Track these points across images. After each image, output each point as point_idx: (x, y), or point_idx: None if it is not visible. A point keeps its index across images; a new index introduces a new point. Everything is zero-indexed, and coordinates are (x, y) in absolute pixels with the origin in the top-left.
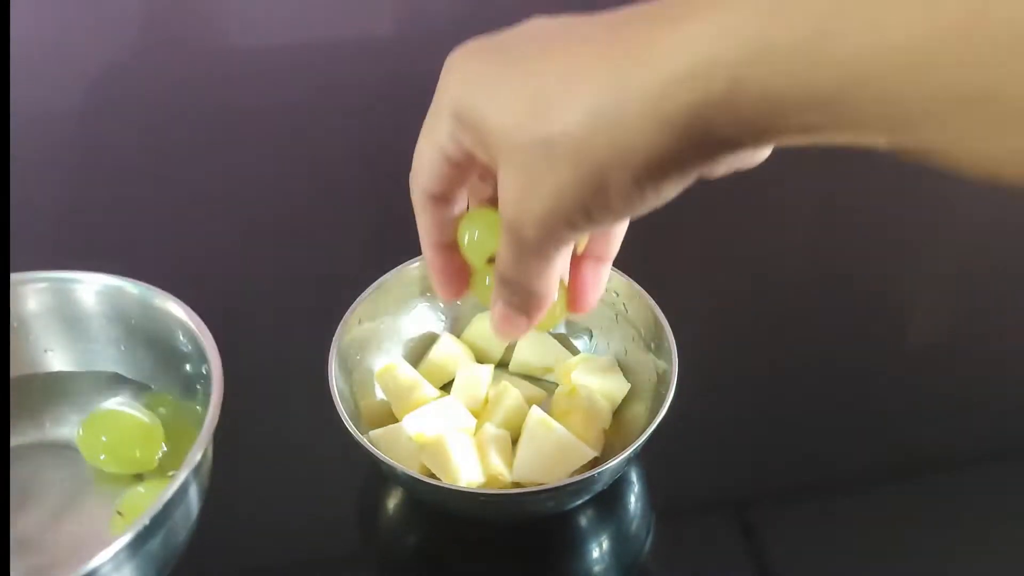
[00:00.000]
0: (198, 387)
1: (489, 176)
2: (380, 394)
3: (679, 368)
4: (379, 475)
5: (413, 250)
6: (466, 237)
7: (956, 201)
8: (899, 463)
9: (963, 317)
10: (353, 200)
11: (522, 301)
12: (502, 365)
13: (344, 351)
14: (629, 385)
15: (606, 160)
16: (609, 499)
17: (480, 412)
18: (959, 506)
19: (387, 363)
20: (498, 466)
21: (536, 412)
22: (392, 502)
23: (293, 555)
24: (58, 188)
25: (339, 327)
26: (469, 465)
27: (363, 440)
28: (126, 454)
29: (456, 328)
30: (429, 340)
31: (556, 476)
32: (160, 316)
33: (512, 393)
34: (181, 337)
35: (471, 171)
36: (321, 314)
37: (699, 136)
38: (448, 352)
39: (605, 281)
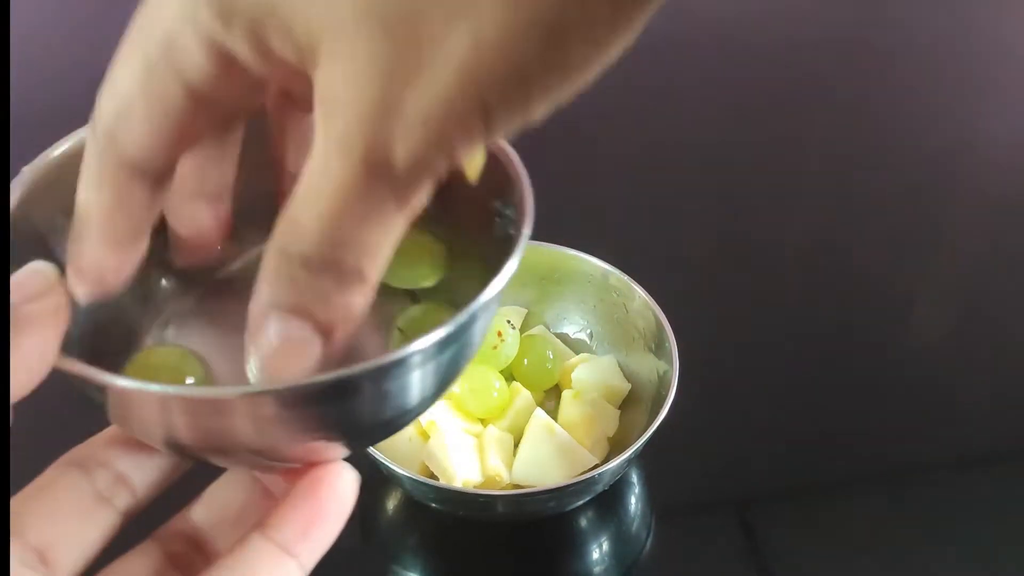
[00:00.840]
0: None
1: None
2: None
3: (679, 369)
4: (379, 475)
5: None
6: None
7: (957, 201)
8: (899, 463)
9: (964, 318)
10: None
11: (341, 283)
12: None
13: None
14: (629, 386)
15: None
16: (609, 500)
17: (488, 415)
18: (959, 506)
19: None
20: (497, 467)
21: (540, 415)
22: (392, 502)
23: None
24: None
25: None
26: (468, 465)
27: None
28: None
29: None
30: None
31: (555, 480)
32: None
33: (523, 395)
34: None
35: (222, 113)
36: None
37: None
38: None
39: None
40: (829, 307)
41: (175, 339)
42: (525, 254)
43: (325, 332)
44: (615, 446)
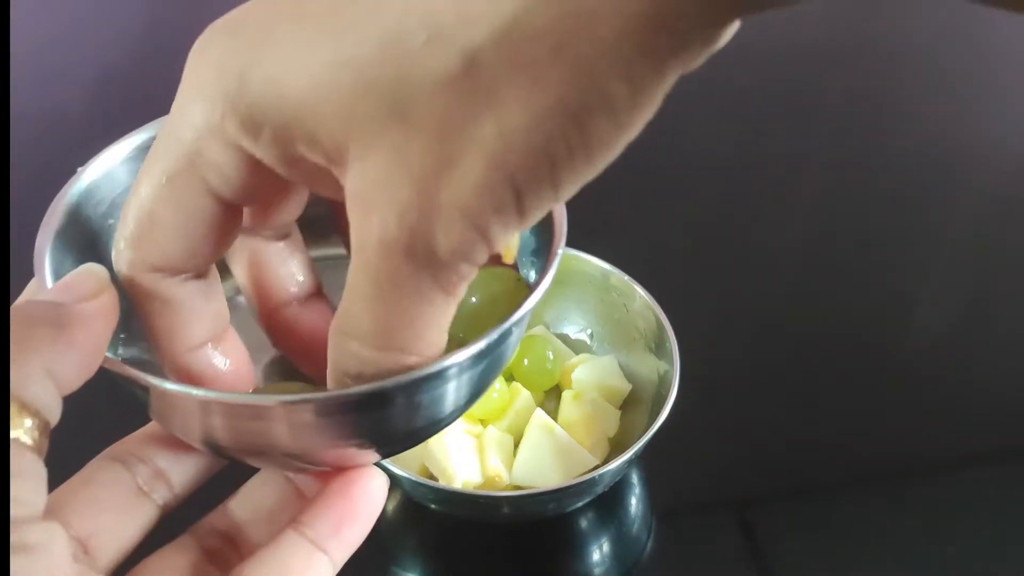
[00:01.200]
0: None
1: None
2: None
3: (680, 369)
4: None
5: None
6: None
7: (959, 202)
8: (899, 463)
9: (965, 318)
10: None
11: (388, 370)
12: None
13: None
14: (630, 386)
15: (586, 48)
16: (610, 501)
17: (488, 415)
18: (959, 506)
19: None
20: (497, 468)
21: (540, 416)
22: (392, 503)
23: None
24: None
25: None
26: (468, 466)
27: None
28: None
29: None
30: None
31: (554, 481)
32: None
33: (523, 395)
34: None
35: (229, 235)
36: None
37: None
38: None
39: None
40: (829, 307)
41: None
42: None
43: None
44: (615, 447)
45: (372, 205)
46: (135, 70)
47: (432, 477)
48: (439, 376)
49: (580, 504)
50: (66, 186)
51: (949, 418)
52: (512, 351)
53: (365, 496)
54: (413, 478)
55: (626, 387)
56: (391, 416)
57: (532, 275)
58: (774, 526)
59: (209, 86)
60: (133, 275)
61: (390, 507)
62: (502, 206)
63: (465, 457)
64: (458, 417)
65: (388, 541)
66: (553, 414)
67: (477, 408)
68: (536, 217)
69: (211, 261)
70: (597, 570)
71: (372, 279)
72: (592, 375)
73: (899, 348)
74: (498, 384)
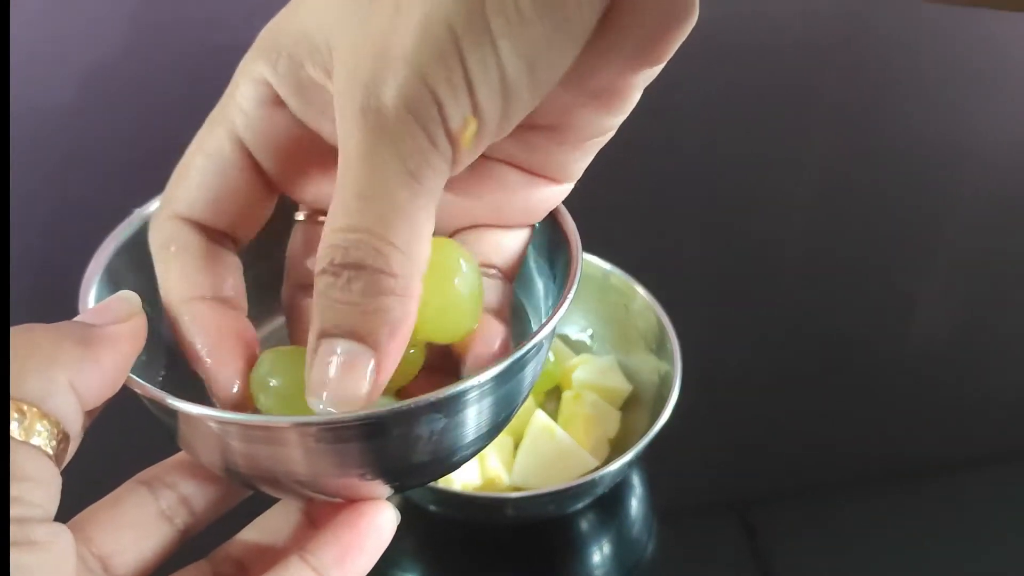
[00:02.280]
0: None
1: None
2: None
3: (681, 370)
4: None
5: None
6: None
7: (958, 201)
8: (899, 464)
9: (965, 319)
10: None
11: (373, 292)
12: None
13: None
14: (631, 387)
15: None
16: (611, 502)
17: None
18: (959, 506)
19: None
20: (497, 469)
21: (540, 417)
22: (392, 502)
23: None
24: (56, 185)
25: None
26: (467, 468)
27: None
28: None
29: None
30: None
31: (555, 482)
32: None
33: None
34: None
35: (269, 197)
36: None
37: None
38: None
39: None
40: (830, 308)
41: None
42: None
43: (372, 344)
44: (616, 448)
45: (340, 89)
46: (133, 69)
47: None
48: (445, 403)
49: (580, 505)
50: (121, 225)
51: (950, 419)
52: (532, 379)
53: (373, 529)
54: None
55: (627, 388)
56: (396, 443)
57: (544, 292)
58: (775, 527)
59: (251, 50)
60: (160, 229)
61: None
62: (444, 57)
63: None
64: (479, 450)
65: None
66: (553, 415)
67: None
68: (485, 91)
69: (235, 227)
70: (598, 572)
71: (346, 163)
72: (592, 376)
73: (900, 349)
74: None
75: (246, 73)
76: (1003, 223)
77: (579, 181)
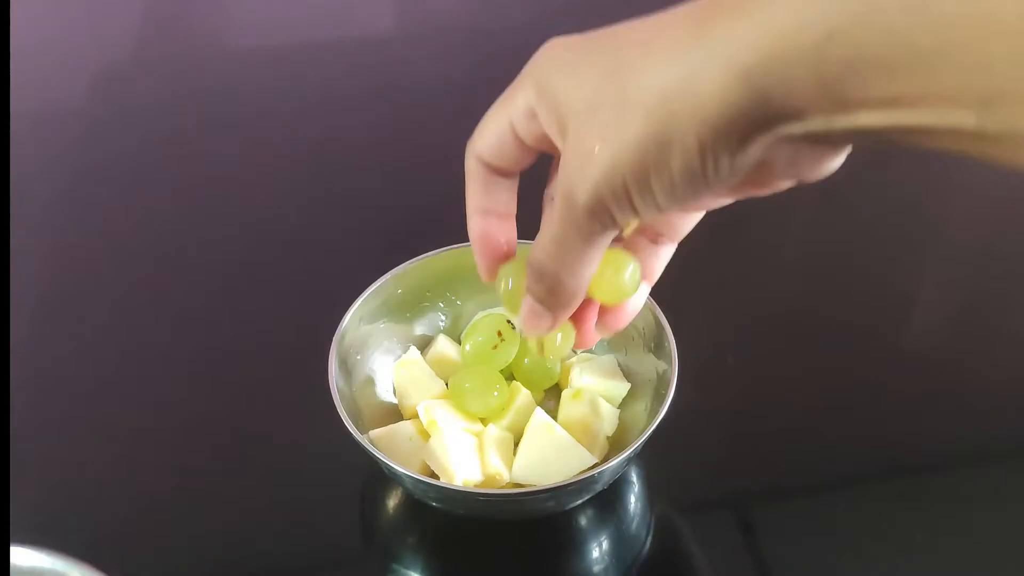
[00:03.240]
0: None
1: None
2: (380, 394)
3: (679, 368)
4: (379, 475)
5: (414, 250)
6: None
7: (957, 200)
8: (898, 463)
9: (963, 319)
10: (354, 200)
11: (550, 293)
12: None
13: (344, 351)
14: (629, 385)
15: (675, 111)
16: (609, 499)
17: (488, 415)
18: (959, 506)
19: (405, 355)
20: (497, 466)
21: (539, 415)
22: (392, 502)
23: (293, 555)
24: (57, 188)
25: (339, 327)
26: (468, 465)
27: (363, 440)
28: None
29: (456, 328)
30: (429, 341)
31: (554, 479)
32: None
33: (523, 394)
34: None
35: (530, 155)
36: (322, 314)
37: (773, 96)
38: (445, 353)
39: (660, 265)
40: (829, 306)
41: None
42: (525, 254)
43: (551, 311)
44: (614, 445)
45: (562, 164)
46: (133, 70)
47: (433, 475)
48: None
49: (579, 502)
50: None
51: (950, 418)
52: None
53: None
54: (414, 476)
55: (625, 386)
56: None
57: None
58: (773, 524)
59: (529, 71)
60: (468, 159)
61: (390, 505)
62: (617, 195)
63: (465, 455)
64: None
65: (388, 539)
66: (553, 413)
67: (477, 407)
68: (645, 214)
69: (507, 168)
70: (596, 568)
71: (552, 216)
72: (592, 375)
73: (899, 347)
74: (498, 383)
75: (522, 87)
76: (1004, 218)
77: None
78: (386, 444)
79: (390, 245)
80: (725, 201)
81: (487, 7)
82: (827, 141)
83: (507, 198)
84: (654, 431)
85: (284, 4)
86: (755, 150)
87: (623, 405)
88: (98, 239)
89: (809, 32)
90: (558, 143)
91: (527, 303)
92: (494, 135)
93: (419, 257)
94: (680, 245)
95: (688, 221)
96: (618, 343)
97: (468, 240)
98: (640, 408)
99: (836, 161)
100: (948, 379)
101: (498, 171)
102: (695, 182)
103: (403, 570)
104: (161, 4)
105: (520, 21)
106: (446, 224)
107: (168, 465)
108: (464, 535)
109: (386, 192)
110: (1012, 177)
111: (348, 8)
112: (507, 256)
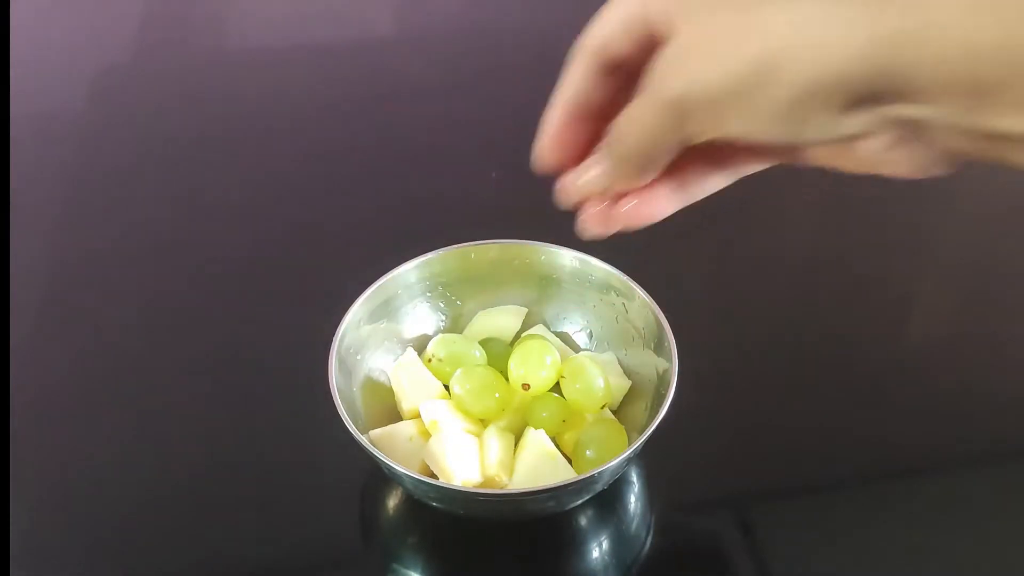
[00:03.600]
0: None
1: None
2: (380, 394)
3: (679, 368)
4: (379, 475)
5: (414, 250)
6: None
7: (959, 203)
8: (899, 463)
9: (964, 319)
10: (354, 200)
11: (626, 162)
12: None
13: (344, 351)
14: (629, 383)
15: (796, 45)
16: (609, 499)
17: (488, 415)
18: (959, 506)
19: (404, 355)
20: (497, 466)
21: (533, 433)
22: (392, 502)
23: (293, 555)
24: (57, 188)
25: (340, 327)
26: (468, 465)
27: (363, 440)
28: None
29: (457, 328)
30: (429, 341)
31: (554, 479)
32: None
33: (523, 395)
34: None
35: (639, 60)
36: (321, 314)
37: (902, 71)
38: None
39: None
40: (829, 305)
41: None
42: (524, 254)
43: (607, 174)
44: None
45: (663, 56)
46: (133, 70)
47: (433, 475)
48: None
49: (580, 502)
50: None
51: (949, 418)
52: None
53: None
54: (414, 476)
55: (625, 384)
56: None
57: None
58: (773, 524)
59: None
60: (578, 53)
61: (390, 505)
62: (708, 93)
63: (465, 455)
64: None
65: (389, 539)
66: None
67: (477, 407)
68: (718, 130)
69: (612, 58)
70: (596, 568)
71: (633, 107)
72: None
73: (899, 347)
74: (497, 384)
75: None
76: (1002, 223)
77: None
78: (386, 444)
79: (390, 245)
80: (794, 160)
81: (487, 9)
82: (938, 138)
83: (602, 94)
84: (654, 431)
85: (284, 6)
86: (858, 119)
87: (623, 404)
88: (98, 239)
89: (984, 33)
90: (661, 30)
91: (594, 159)
92: (610, 27)
93: (419, 257)
94: (681, 245)
95: (714, 181)
96: (618, 342)
97: (468, 240)
98: (640, 407)
99: (933, 164)
100: (948, 379)
101: (605, 65)
102: (784, 122)
103: (403, 570)
104: (161, 6)
105: (520, 22)
106: (446, 224)
107: (168, 465)
108: (464, 535)
109: (386, 193)
110: (1010, 184)
111: (348, 10)
112: (578, 160)
